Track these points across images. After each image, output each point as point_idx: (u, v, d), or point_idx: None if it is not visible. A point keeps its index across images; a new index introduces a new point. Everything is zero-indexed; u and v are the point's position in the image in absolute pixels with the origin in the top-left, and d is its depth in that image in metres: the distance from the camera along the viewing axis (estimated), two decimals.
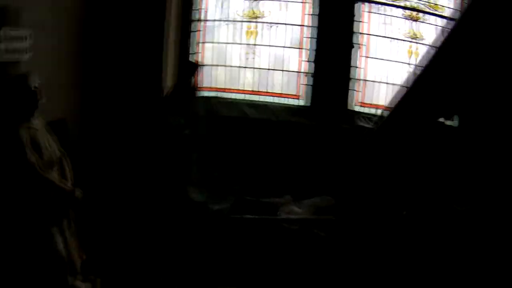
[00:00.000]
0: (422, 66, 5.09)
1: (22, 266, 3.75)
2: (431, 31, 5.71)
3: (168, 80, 5.83)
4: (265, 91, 5.92)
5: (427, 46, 5.65)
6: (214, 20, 6.00)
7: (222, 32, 6.00)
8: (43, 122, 3.95)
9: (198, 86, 5.94)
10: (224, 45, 6.01)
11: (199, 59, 6.03)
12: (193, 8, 5.99)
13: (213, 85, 6.07)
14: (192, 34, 6.05)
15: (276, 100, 5.90)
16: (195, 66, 5.67)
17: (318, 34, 5.70)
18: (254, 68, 5.93)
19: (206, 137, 5.57)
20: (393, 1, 5.69)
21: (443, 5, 5.69)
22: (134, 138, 5.64)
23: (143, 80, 5.73)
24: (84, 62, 5.63)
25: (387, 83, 5.79)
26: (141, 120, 5.62)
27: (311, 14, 5.73)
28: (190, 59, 6.03)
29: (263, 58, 5.90)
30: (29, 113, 3.78)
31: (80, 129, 5.58)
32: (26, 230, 3.79)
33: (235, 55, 5.98)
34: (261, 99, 5.92)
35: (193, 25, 6.04)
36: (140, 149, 5.50)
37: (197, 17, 6.03)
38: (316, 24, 5.72)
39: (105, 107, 5.78)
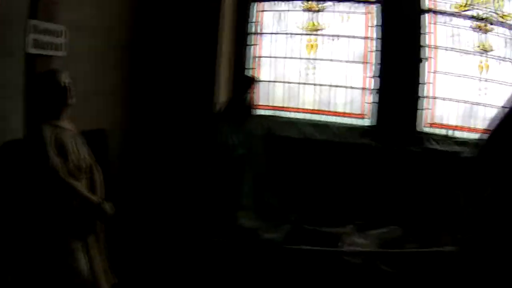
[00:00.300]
0: None
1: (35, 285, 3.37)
2: (500, 42, 5.02)
3: (221, 96, 5.47)
4: (327, 110, 5.41)
5: (498, 59, 5.00)
6: (271, 33, 5.60)
7: (280, 46, 5.59)
8: (73, 125, 3.56)
9: (254, 103, 5.54)
10: (282, 59, 5.59)
11: (255, 75, 5.60)
12: (249, 21, 5.62)
13: (270, 103, 5.65)
14: (247, 47, 5.67)
15: (338, 119, 5.37)
16: (251, 81, 5.29)
17: (383, 47, 5.15)
18: (314, 84, 5.43)
19: (261, 158, 5.15)
20: (460, 11, 5.06)
21: None
22: (181, 154, 5.30)
23: (194, 94, 5.44)
24: (131, 72, 5.36)
25: (458, 100, 5.11)
26: (191, 135, 5.28)
27: (375, 26, 5.19)
28: (246, 74, 5.63)
29: (324, 74, 5.40)
30: (57, 111, 3.41)
31: (122, 141, 5.29)
32: (43, 242, 3.35)
33: (294, 70, 5.53)
34: (322, 119, 5.40)
35: (249, 38, 5.66)
36: (187, 167, 5.15)
37: (253, 30, 5.65)
38: (380, 36, 5.18)
39: (151, 120, 5.48)
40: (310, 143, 5.22)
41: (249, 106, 5.34)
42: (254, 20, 5.66)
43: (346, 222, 4.81)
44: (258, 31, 5.69)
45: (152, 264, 4.52)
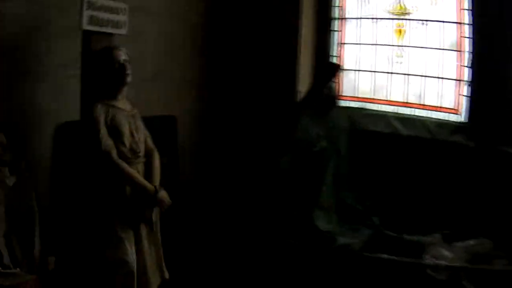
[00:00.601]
0: None
1: (79, 275, 3.37)
2: None
3: (303, 84, 5.12)
4: (417, 103, 4.84)
5: None
6: (356, 18, 5.11)
7: (365, 32, 5.08)
8: (131, 106, 3.46)
9: (339, 94, 5.17)
10: (368, 46, 5.09)
11: (339, 63, 5.20)
12: (332, 5, 5.18)
13: (355, 94, 5.21)
14: (331, 33, 5.24)
15: (428, 114, 4.78)
16: (335, 69, 4.91)
17: (474, 33, 4.44)
18: (404, 74, 4.87)
19: (344, 154, 4.76)
20: None
21: None
22: (257, 144, 5.11)
23: (273, 82, 5.19)
24: (206, 58, 5.24)
25: None
26: (268, 125, 5.07)
27: (468, 9, 4.45)
28: (329, 61, 5.24)
29: (414, 63, 4.82)
30: (112, 90, 3.32)
31: (194, 129, 5.19)
32: (92, 228, 3.30)
33: (381, 59, 5.01)
34: (412, 112, 4.86)
35: (332, 23, 5.23)
36: (263, 158, 4.93)
37: (336, 14, 5.21)
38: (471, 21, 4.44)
39: (227, 109, 5.35)
40: (398, 139, 4.72)
41: (333, 96, 4.98)
42: (337, 4, 5.18)
43: (432, 230, 4.31)
44: (342, 16, 5.20)
45: (215, 263, 4.40)
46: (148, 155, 3.45)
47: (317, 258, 4.22)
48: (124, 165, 3.18)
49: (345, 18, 5.20)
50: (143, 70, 4.56)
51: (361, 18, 5.09)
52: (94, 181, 3.31)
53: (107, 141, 3.16)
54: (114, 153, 3.16)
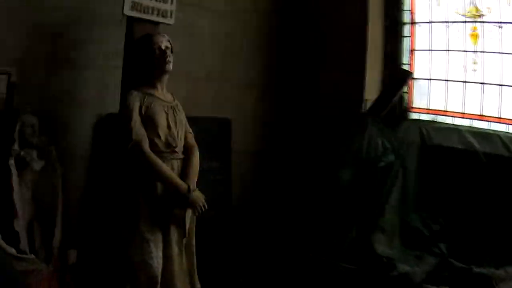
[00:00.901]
0: None
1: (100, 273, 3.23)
2: None
3: (370, 93, 4.76)
4: (495, 116, 4.25)
5: None
6: (427, 23, 4.63)
7: (437, 37, 4.58)
8: (172, 97, 3.29)
9: (409, 105, 4.74)
10: (441, 53, 4.57)
11: (410, 70, 4.76)
12: (401, 9, 4.75)
13: (427, 106, 4.70)
14: (400, 39, 4.81)
15: (509, 128, 4.18)
16: (406, 77, 4.55)
17: None
18: (480, 83, 4.30)
19: (412, 171, 4.33)
20: None
21: None
22: (318, 155, 4.77)
23: (338, 88, 4.86)
24: (267, 59, 5.13)
25: None
26: (333, 135, 4.71)
27: None
28: (399, 68, 4.81)
29: (490, 71, 4.23)
30: (151, 78, 3.18)
31: (250, 134, 5.04)
32: (118, 227, 3.13)
33: (455, 66, 4.46)
34: (488, 127, 4.30)
35: (402, 28, 4.80)
36: (323, 171, 4.59)
37: (405, 19, 4.76)
38: None
39: (287, 115, 5.17)
40: (471, 156, 4.15)
41: (403, 107, 4.57)
42: (407, 8, 4.73)
43: (506, 263, 3.73)
44: (412, 20, 4.74)
45: (263, 283, 4.21)
46: (188, 152, 3.24)
47: (372, 285, 3.85)
48: (155, 158, 2.98)
49: (415, 23, 4.73)
50: (195, 67, 4.54)
51: (432, 22, 4.60)
52: (125, 175, 3.14)
53: (139, 130, 2.98)
54: (145, 144, 2.97)
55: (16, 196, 3.32)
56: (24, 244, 3.31)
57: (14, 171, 3.35)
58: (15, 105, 3.60)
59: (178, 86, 3.92)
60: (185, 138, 3.29)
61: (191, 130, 3.38)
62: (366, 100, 4.74)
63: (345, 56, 4.85)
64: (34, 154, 3.48)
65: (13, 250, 3.20)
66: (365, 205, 4.24)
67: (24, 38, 3.64)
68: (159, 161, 2.99)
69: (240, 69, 4.93)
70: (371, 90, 4.77)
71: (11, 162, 3.36)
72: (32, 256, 3.31)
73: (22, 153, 3.42)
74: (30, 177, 3.48)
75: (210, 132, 4.50)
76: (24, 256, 3.27)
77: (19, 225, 3.30)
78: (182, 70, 4.20)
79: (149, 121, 3.05)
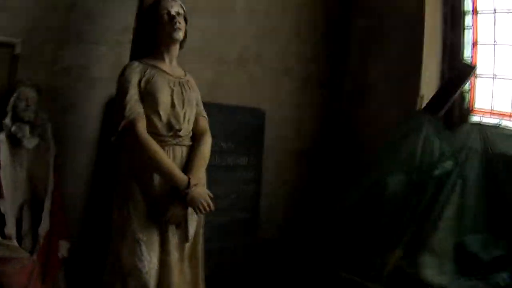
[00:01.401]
0: None
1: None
2: None
3: (426, 88, 4.14)
4: None
5: None
6: (492, 13, 3.95)
7: (503, 29, 3.89)
8: (183, 72, 2.81)
9: (470, 106, 4.09)
10: (507, 47, 3.88)
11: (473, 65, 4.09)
12: None
13: (491, 108, 4.01)
14: (462, 30, 4.15)
15: None
16: (469, 71, 3.91)
17: None
18: None
19: (473, 183, 3.58)
20: None
21: None
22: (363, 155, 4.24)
23: (391, 81, 4.30)
24: (310, 46, 4.59)
25: None
26: (382, 133, 4.13)
27: None
28: (461, 63, 4.15)
29: None
30: (156, 47, 2.72)
31: (286, 128, 4.49)
32: (111, 222, 2.65)
33: None
34: None
35: (464, 18, 4.14)
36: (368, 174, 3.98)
37: (466, 7, 4.11)
38: None
39: (330, 108, 4.69)
40: None
41: (463, 107, 3.97)
42: None
43: None
44: (474, 9, 4.09)
45: None
46: (197, 138, 2.73)
47: None
48: (151, 142, 2.48)
49: (478, 12, 4.07)
50: (225, 48, 4.09)
51: (496, 12, 3.92)
52: (119, 159, 2.67)
53: (134, 107, 2.50)
54: (140, 124, 2.48)
55: (2, 173, 2.99)
56: (10, 228, 2.96)
57: (3, 147, 3.03)
58: (17, 78, 3.25)
59: (204, 68, 3.65)
60: (196, 121, 2.77)
61: (204, 114, 2.87)
62: (422, 96, 4.11)
63: (399, 45, 4.28)
64: (27, 130, 3.12)
65: None
66: (414, 220, 3.56)
67: (32, 6, 3.30)
68: (154, 146, 2.48)
69: (279, 54, 4.42)
70: (428, 86, 4.15)
71: (1, 137, 3.04)
72: (14, 242, 2.95)
73: (13, 128, 3.07)
74: (26, 156, 3.15)
75: (240, 123, 4.04)
76: (4, 241, 2.92)
77: (5, 206, 2.97)
78: (208, 50, 3.89)
79: (148, 97, 2.56)
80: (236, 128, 3.95)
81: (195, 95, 2.79)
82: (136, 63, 2.65)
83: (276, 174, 4.38)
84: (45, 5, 3.33)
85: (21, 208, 3.10)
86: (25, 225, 3.08)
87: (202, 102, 2.92)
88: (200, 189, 2.53)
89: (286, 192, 4.48)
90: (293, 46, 4.50)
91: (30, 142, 3.14)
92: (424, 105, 4.04)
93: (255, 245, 4.08)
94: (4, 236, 2.93)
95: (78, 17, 3.46)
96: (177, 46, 2.77)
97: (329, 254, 3.80)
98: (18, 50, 3.26)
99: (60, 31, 3.41)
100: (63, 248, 3.19)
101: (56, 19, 3.38)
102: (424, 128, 3.79)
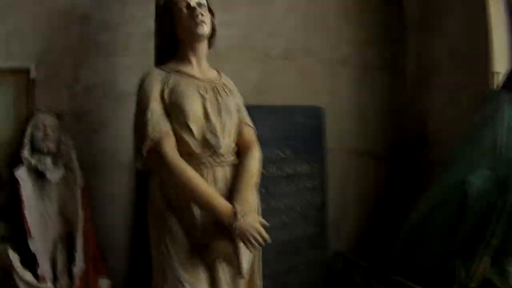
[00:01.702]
0: None
1: None
2: None
3: (500, 63, 3.45)
4: None
5: None
6: None
7: None
8: (215, 73, 2.34)
9: None
10: None
11: None
12: None
13: None
14: None
15: None
16: None
17: None
18: None
19: None
20: None
21: None
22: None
23: (454, 57, 3.70)
24: (365, 34, 4.04)
25: None
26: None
27: None
28: None
29: None
30: (181, 49, 2.26)
31: (350, 127, 3.99)
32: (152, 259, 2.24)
33: None
34: None
35: None
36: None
37: None
38: None
39: (393, 96, 4.12)
40: None
41: None
42: None
43: None
44: None
45: None
46: (242, 154, 2.24)
47: None
48: (183, 166, 2.03)
49: None
50: (268, 43, 3.65)
51: None
52: (151, 189, 2.25)
53: (158, 124, 2.05)
54: (167, 144, 2.04)
55: (27, 211, 2.77)
56: (43, 268, 2.75)
57: (22, 183, 2.80)
58: (35, 105, 3.00)
59: (246, 67, 3.30)
60: (239, 132, 2.27)
61: (250, 122, 2.35)
62: (495, 72, 3.44)
63: (462, 19, 3.66)
64: (48, 162, 2.87)
65: (28, 277, 2.67)
66: (501, 223, 2.89)
67: (45, 26, 3.06)
68: (188, 171, 2.00)
69: (330, 42, 3.91)
70: (498, 62, 3.48)
71: (17, 173, 2.80)
72: (49, 285, 2.74)
73: (33, 161, 2.83)
74: (54, 188, 2.90)
75: (296, 125, 3.54)
76: (37, 284, 2.70)
77: (35, 245, 2.76)
78: (249, 46, 3.51)
79: (175, 110, 2.09)
80: (292, 131, 3.46)
81: (235, 101, 2.29)
82: (156, 71, 2.21)
83: (342, 180, 3.88)
84: (57, 24, 3.08)
85: (55, 245, 2.87)
86: (60, 264, 2.86)
87: (248, 106, 2.42)
88: (251, 218, 2.03)
89: (356, 199, 3.97)
90: (344, 32, 3.96)
91: (54, 175, 2.89)
92: (500, 82, 3.34)
93: (325, 261, 3.60)
94: (38, 278, 2.71)
95: (93, 29, 3.14)
96: (204, 43, 2.29)
97: (404, 268, 3.24)
98: (33, 74, 3.02)
99: (76, 47, 3.12)
100: (104, 287, 2.95)
101: (70, 36, 3.11)
102: (505, 110, 3.07)
